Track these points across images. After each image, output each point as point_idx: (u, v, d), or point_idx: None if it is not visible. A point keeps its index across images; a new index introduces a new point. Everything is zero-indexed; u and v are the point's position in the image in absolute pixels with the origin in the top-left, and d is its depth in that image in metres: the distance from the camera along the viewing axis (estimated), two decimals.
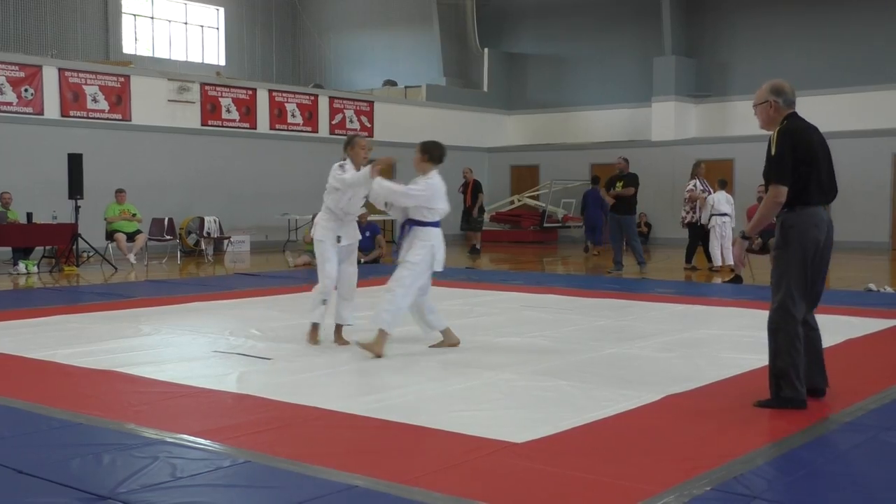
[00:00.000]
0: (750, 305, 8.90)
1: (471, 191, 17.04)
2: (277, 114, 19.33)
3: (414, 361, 5.90)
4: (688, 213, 13.56)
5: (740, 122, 20.58)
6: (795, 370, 4.49)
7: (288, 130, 19.50)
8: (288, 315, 8.19)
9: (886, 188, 18.05)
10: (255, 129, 18.95)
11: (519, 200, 22.22)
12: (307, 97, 19.87)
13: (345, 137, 20.46)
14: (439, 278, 11.83)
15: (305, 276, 12.49)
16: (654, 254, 17.79)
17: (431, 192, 6.14)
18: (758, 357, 5.98)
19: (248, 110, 18.84)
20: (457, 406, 4.66)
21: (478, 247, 17.05)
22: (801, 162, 4.45)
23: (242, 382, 5.24)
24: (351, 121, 20.69)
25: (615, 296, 9.86)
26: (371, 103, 21.28)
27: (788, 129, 4.51)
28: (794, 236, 4.47)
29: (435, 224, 6.25)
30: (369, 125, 21.19)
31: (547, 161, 23.16)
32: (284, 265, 14.17)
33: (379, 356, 5.93)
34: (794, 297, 4.47)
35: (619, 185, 13.13)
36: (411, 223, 6.19)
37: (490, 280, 11.00)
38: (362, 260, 14.27)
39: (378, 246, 14.87)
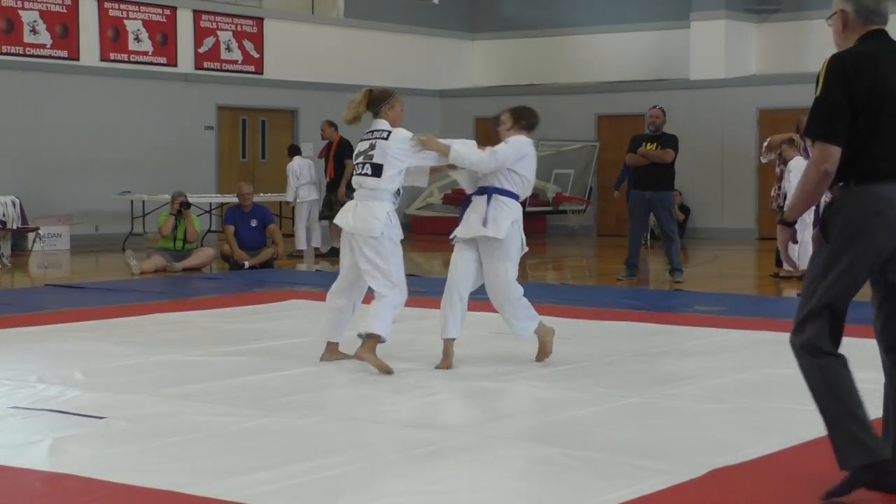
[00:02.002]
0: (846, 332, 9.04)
1: (334, 155, 16.72)
2: (112, 35, 19.20)
3: (350, 425, 5.92)
4: (776, 194, 13.55)
5: (825, 50, 20.84)
6: (856, 420, 4.42)
7: (129, 62, 19.39)
8: (132, 349, 8.14)
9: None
10: (77, 58, 18.81)
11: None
12: (159, 11, 19.74)
13: (220, 74, 20.36)
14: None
15: (160, 289, 12.36)
16: (693, 252, 17.99)
17: (521, 150, 7.30)
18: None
19: (64, 29, 18.66)
20: (388, 490, 4.67)
21: (338, 246, 16.76)
22: (860, 110, 4.39)
23: (58, 455, 5.23)
24: (228, 48, 20.60)
25: (634, 316, 9.92)
26: (259, 21, 21.22)
27: (844, 58, 4.47)
28: (840, 228, 4.41)
29: (518, 197, 7.33)
30: (257, 56, 21.10)
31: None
32: (125, 272, 14.04)
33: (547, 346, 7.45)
34: (832, 320, 4.45)
35: (649, 147, 13.22)
36: (492, 190, 7.25)
37: (437, 292, 10.95)
38: (247, 264, 14.23)
39: (272, 241, 14.81)
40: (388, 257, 7.29)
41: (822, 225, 4.47)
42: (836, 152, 4.37)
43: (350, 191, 16.85)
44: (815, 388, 4.50)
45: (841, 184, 4.44)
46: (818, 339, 4.47)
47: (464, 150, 7.26)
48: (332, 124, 17.11)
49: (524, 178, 7.36)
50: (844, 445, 4.45)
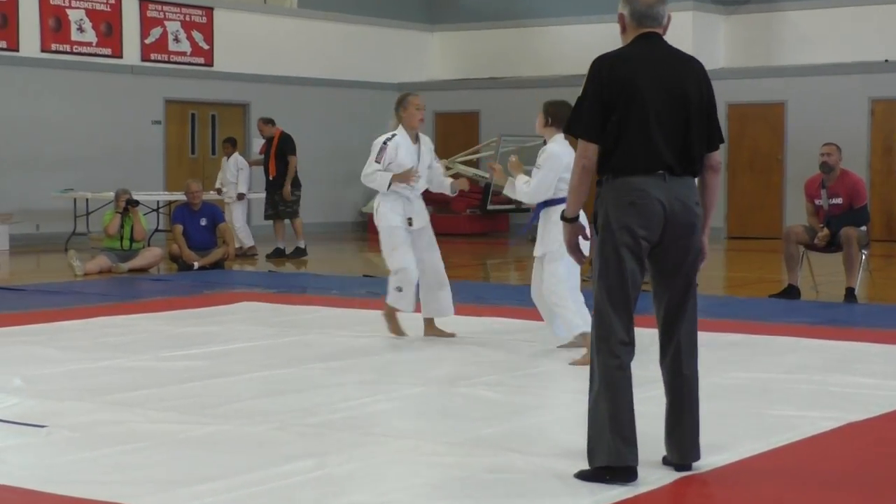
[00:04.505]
0: (808, 333, 9.12)
1: (276, 152, 16.69)
2: (54, 25, 19.09)
3: (305, 432, 5.93)
4: None
5: (796, 44, 21.09)
6: (614, 420, 4.74)
7: (71, 53, 19.30)
8: (75, 354, 8.10)
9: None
10: (17, 49, 18.73)
11: (449, 168, 22.30)
12: (103, 0, 19.66)
13: (167, 66, 20.26)
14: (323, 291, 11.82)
15: (105, 291, 12.29)
16: None
17: (558, 164, 7.63)
18: (825, 415, 6.16)
19: (3, 19, 18.57)
20: (346, 499, 4.68)
21: (301, 245, 16.65)
22: (613, 109, 4.81)
23: None
24: (176, 39, 20.52)
25: None
26: (209, 11, 21.16)
27: (604, 60, 4.92)
28: (602, 219, 4.86)
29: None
30: (206, 47, 21.03)
31: (492, 105, 23.33)
32: (68, 273, 13.95)
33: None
34: (609, 310, 4.80)
35: None
36: (541, 204, 7.84)
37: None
38: (196, 265, 14.17)
39: (222, 241, 14.76)
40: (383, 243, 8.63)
41: (593, 217, 4.91)
42: (593, 148, 4.84)
43: (296, 188, 16.88)
44: (593, 379, 4.84)
45: (604, 178, 4.87)
46: (605, 329, 4.81)
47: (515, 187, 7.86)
48: (268, 121, 17.03)
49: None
50: (596, 442, 4.80)
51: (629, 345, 4.83)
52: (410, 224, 8.59)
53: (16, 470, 5.10)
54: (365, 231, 22.78)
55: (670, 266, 4.91)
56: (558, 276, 7.75)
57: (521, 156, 8.73)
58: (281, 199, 16.62)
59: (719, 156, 5.07)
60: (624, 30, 5.02)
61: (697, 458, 5.02)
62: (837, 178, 11.37)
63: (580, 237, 5.07)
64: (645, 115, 4.82)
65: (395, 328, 8.70)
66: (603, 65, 4.88)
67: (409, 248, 8.57)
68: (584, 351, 7.51)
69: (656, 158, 4.82)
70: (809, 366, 7.65)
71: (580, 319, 7.68)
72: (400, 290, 8.50)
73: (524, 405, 6.61)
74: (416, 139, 8.66)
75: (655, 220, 4.80)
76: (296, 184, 16.76)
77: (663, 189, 4.81)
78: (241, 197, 17.39)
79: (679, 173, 4.85)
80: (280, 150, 16.62)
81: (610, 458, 4.75)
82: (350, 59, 22.85)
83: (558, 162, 7.67)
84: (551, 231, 7.64)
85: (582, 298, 7.72)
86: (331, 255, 17.95)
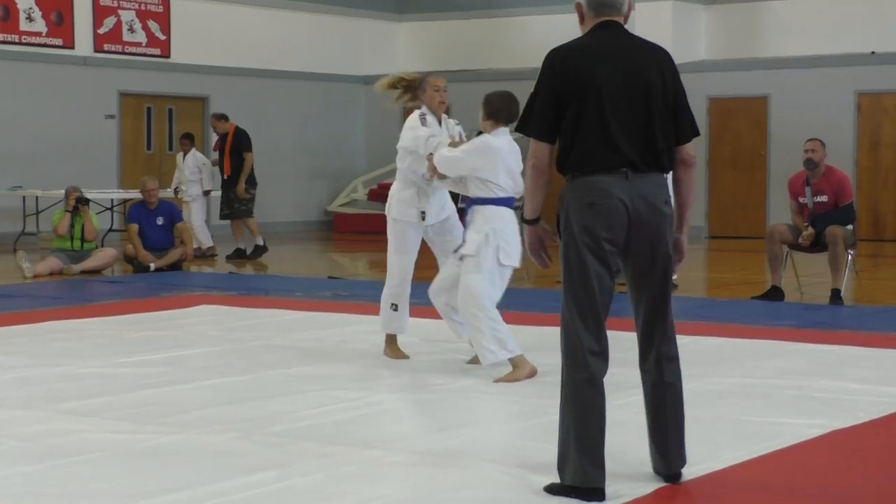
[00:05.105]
0: (792, 336, 9.17)
1: (230, 148, 16.67)
2: (1, 14, 19.03)
3: (268, 441, 5.88)
4: None
5: (779, 35, 21.19)
6: (580, 438, 4.70)
7: (20, 44, 19.23)
8: (24, 361, 8.10)
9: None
10: None
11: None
12: None
13: (122, 57, 20.17)
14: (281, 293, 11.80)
15: (57, 293, 12.23)
16: None
17: (481, 155, 7.26)
18: (810, 422, 6.19)
19: None
20: None
21: (260, 243, 16.61)
22: (568, 104, 4.73)
23: None
24: (131, 29, 20.45)
25: None
26: (166, 0, 21.08)
27: (557, 52, 4.84)
28: (564, 222, 4.77)
29: (501, 202, 7.35)
30: (163, 37, 20.96)
31: (463, 99, 23.23)
32: (16, 275, 13.89)
33: (532, 374, 7.27)
34: (575, 319, 4.71)
35: None
36: (470, 202, 7.43)
37: (362, 296, 10.98)
38: (153, 266, 14.13)
39: (180, 241, 14.71)
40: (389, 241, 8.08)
41: (556, 220, 4.81)
42: (544, 148, 4.77)
43: (252, 185, 16.80)
44: (562, 391, 4.78)
45: (566, 177, 4.79)
46: (572, 340, 4.73)
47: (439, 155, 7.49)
48: (221, 117, 16.97)
49: (490, 184, 7.35)
50: (564, 458, 4.75)
51: (599, 355, 4.73)
52: (423, 218, 7.94)
53: None
54: (330, 230, 22.80)
55: (641, 269, 4.83)
56: (472, 289, 7.28)
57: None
58: (236, 198, 16.54)
59: (692, 149, 4.97)
60: (582, 20, 4.94)
61: (684, 463, 5.00)
62: (822, 174, 11.43)
63: (544, 241, 4.96)
64: (601, 108, 4.71)
65: (395, 352, 8.14)
66: (556, 57, 4.80)
67: (413, 255, 8.03)
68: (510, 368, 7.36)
69: (616, 155, 4.71)
70: (793, 370, 7.68)
71: (495, 346, 7.24)
72: (395, 308, 8.01)
73: (497, 412, 6.61)
74: (440, 122, 8.02)
75: (617, 221, 4.69)
76: (251, 182, 16.70)
77: (625, 188, 4.70)
78: (207, 193, 17.35)
79: (643, 170, 4.75)
80: (235, 147, 16.56)
81: (575, 478, 4.71)
82: (314, 50, 22.82)
83: (485, 151, 7.25)
84: (472, 233, 7.34)
85: (498, 315, 7.28)
86: (295, 256, 17.93)
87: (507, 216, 7.38)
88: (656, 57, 4.92)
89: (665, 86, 4.86)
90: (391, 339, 8.12)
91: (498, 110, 7.31)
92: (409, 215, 7.90)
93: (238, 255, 16.40)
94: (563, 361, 4.78)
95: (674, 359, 4.98)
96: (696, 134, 5.00)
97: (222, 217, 16.99)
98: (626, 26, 4.98)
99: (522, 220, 4.93)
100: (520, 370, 7.28)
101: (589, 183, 4.70)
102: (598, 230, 4.68)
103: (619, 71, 4.78)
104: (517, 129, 4.89)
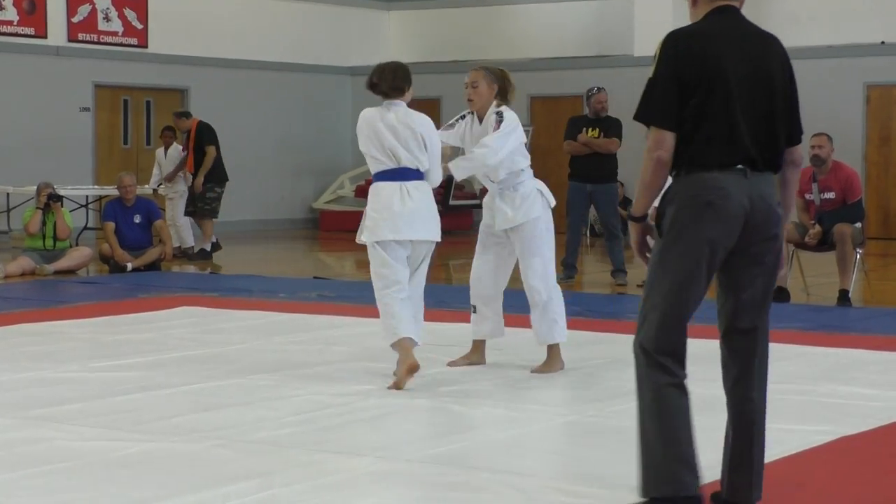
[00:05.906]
0: (798, 339, 9.19)
1: (193, 144, 16.55)
2: None
3: (249, 449, 5.87)
4: None
5: (784, 24, 21.19)
6: (671, 445, 4.56)
7: None
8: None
9: None
10: None
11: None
12: None
13: (97, 47, 20.17)
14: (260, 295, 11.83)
15: (28, 295, 12.23)
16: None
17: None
18: (817, 428, 6.21)
19: None
20: None
21: (207, 248, 16.55)
22: (691, 92, 4.54)
23: None
24: (107, 17, 20.45)
25: (573, 323, 9.65)
26: None
27: (677, 37, 4.63)
28: (670, 221, 4.56)
29: (385, 176, 7.68)
30: (140, 27, 20.96)
31: (455, 91, 23.12)
32: None
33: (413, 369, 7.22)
34: (666, 321, 4.60)
35: (591, 133, 13.35)
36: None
37: (349, 297, 11.02)
38: (130, 266, 14.12)
39: (159, 240, 14.70)
40: None
41: (657, 218, 4.62)
42: (669, 137, 4.53)
43: (219, 182, 16.65)
44: (641, 397, 4.61)
45: (674, 172, 4.59)
46: (652, 341, 4.59)
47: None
48: (182, 114, 16.84)
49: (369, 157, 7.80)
50: (649, 470, 4.58)
51: (682, 361, 4.64)
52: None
53: None
54: (316, 228, 22.80)
55: (744, 277, 4.69)
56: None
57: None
58: (200, 196, 16.38)
59: (801, 149, 4.80)
60: (694, 3, 4.72)
61: (759, 497, 4.80)
62: (830, 170, 11.45)
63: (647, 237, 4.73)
64: (728, 99, 4.52)
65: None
66: (679, 40, 4.57)
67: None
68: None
69: (739, 151, 4.52)
70: (800, 375, 7.71)
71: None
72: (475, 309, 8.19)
73: (491, 418, 6.61)
74: (481, 120, 7.95)
75: (734, 223, 4.50)
76: (218, 179, 16.54)
77: (744, 187, 4.50)
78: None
79: (761, 168, 4.56)
80: (197, 142, 16.44)
81: (669, 487, 4.53)
82: (299, 40, 22.81)
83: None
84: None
85: (393, 297, 7.47)
86: (279, 255, 17.93)
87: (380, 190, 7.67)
88: (776, 48, 4.76)
89: (785, 81, 4.71)
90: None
91: (372, 84, 7.46)
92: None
93: (202, 254, 16.35)
94: (643, 365, 4.60)
95: (763, 376, 4.97)
96: (803, 133, 4.82)
97: (186, 214, 16.81)
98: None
99: (630, 217, 4.69)
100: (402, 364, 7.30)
101: (706, 180, 4.50)
102: (712, 232, 4.49)
103: (744, 60, 4.60)
104: (635, 118, 4.68)
